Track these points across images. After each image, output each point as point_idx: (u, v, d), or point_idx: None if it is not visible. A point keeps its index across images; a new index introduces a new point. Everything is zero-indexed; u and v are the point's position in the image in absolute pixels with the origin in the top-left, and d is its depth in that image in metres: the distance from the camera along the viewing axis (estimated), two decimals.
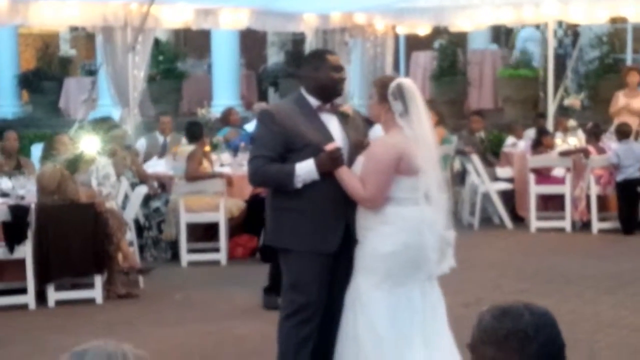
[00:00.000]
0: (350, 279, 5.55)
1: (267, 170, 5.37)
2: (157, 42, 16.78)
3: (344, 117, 5.57)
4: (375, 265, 5.30)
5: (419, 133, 5.29)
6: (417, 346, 5.32)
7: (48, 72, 21.41)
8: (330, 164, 5.28)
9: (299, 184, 5.31)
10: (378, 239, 5.30)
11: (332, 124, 5.49)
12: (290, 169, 5.30)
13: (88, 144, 9.77)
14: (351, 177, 5.31)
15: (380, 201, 5.27)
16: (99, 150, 9.88)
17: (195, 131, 10.97)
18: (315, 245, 5.39)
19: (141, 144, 12.62)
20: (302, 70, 5.67)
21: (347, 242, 5.44)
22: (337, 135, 5.45)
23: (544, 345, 2.58)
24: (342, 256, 5.45)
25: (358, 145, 5.50)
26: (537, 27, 18.08)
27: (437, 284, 5.50)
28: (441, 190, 5.40)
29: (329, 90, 5.50)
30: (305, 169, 5.28)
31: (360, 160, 5.40)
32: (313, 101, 5.48)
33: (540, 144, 12.39)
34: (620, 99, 13.96)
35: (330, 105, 5.53)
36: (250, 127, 12.02)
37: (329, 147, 5.28)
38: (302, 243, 5.40)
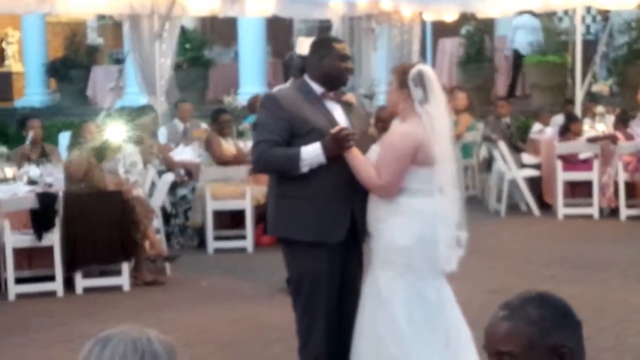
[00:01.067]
0: (360, 270, 5.49)
1: (271, 155, 5.21)
2: (183, 30, 16.82)
3: (347, 106, 5.49)
4: (393, 259, 5.20)
5: (437, 123, 5.19)
6: (439, 342, 5.26)
7: (75, 61, 21.48)
8: (336, 145, 5.12)
9: (305, 168, 5.16)
10: (393, 231, 5.19)
11: (336, 111, 5.40)
12: (295, 153, 5.16)
13: (115, 132, 9.80)
14: (364, 163, 5.18)
15: (394, 190, 5.16)
16: (126, 138, 9.92)
17: (213, 116, 11.06)
18: (322, 236, 5.23)
19: (161, 132, 12.63)
20: (308, 57, 5.56)
21: (354, 233, 5.32)
22: (342, 122, 5.33)
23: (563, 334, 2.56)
24: (351, 246, 5.35)
25: (362, 135, 5.42)
26: (535, 15, 17.92)
27: (446, 281, 5.38)
28: (455, 184, 5.29)
29: (334, 79, 5.41)
30: (312, 153, 5.14)
31: (374, 149, 5.30)
32: (317, 88, 5.39)
33: (569, 131, 12.32)
34: None
35: (334, 94, 5.45)
36: None
37: (334, 129, 5.14)
38: (308, 233, 5.24)
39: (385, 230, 5.22)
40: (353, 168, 5.17)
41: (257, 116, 5.51)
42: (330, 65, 5.37)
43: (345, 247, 5.32)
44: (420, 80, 5.20)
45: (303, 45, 7.74)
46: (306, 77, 5.46)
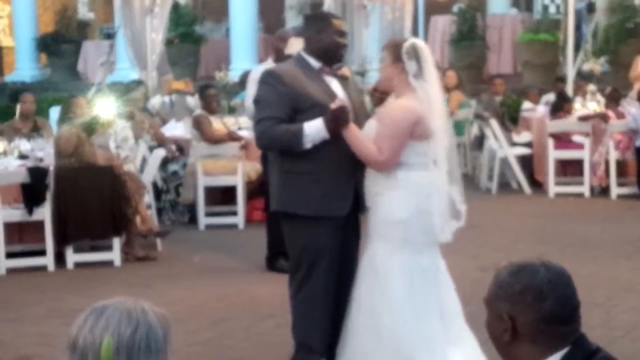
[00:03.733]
0: (359, 242, 5.53)
1: (274, 131, 5.20)
2: (175, 5, 16.74)
3: (343, 80, 5.51)
4: (390, 232, 5.22)
5: (431, 96, 5.22)
6: (434, 315, 5.29)
7: (66, 36, 21.41)
8: (337, 121, 5.12)
9: (308, 144, 5.16)
10: (390, 204, 5.21)
11: (334, 85, 5.42)
12: (298, 129, 5.16)
13: (105, 107, 9.77)
14: (363, 139, 5.20)
15: (394, 164, 5.18)
16: (116, 114, 9.89)
17: (199, 92, 11.06)
18: (326, 210, 5.27)
19: (152, 105, 12.57)
20: (305, 31, 5.56)
21: (356, 206, 5.36)
22: (341, 96, 5.34)
23: (558, 302, 2.59)
24: (351, 220, 5.39)
25: (358, 109, 5.44)
26: None
27: (439, 252, 5.43)
28: (450, 158, 5.32)
29: (331, 54, 5.40)
30: (315, 128, 5.15)
31: (371, 124, 5.31)
32: (314, 62, 5.39)
33: (560, 109, 12.32)
34: None
35: (330, 69, 5.45)
36: None
37: (334, 104, 5.15)
38: (314, 208, 5.27)
39: (382, 204, 5.24)
40: (351, 144, 5.18)
41: (258, 92, 5.48)
42: (328, 39, 5.37)
43: (346, 221, 5.36)
44: (415, 53, 5.20)
45: (293, 46, 7.71)
46: (302, 52, 5.46)
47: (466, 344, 5.37)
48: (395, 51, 5.24)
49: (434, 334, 5.26)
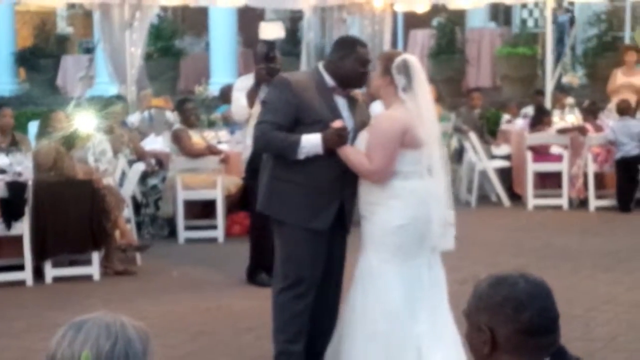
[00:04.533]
0: (343, 258, 5.63)
1: (273, 137, 5.34)
2: (159, 17, 16.75)
3: (353, 102, 5.60)
4: (386, 240, 5.32)
5: (422, 108, 5.31)
6: (422, 319, 5.34)
7: (45, 50, 21.35)
8: (336, 140, 5.27)
9: (302, 155, 5.29)
10: (387, 213, 5.31)
11: (343, 106, 5.51)
12: (296, 139, 5.29)
13: (84, 121, 9.75)
14: (356, 152, 5.33)
15: (387, 175, 5.28)
16: (95, 127, 9.87)
17: (177, 106, 11.06)
18: (307, 221, 5.38)
19: (131, 123, 12.55)
20: (330, 53, 5.65)
21: (342, 222, 5.45)
22: (346, 117, 5.45)
23: (537, 314, 2.60)
24: (337, 235, 5.47)
25: (362, 130, 5.52)
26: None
27: (439, 258, 5.51)
28: (443, 165, 5.44)
29: (350, 81, 5.51)
30: (312, 142, 5.28)
31: (363, 136, 5.41)
32: (329, 80, 5.48)
33: (540, 122, 12.38)
34: (619, 76, 13.95)
35: (343, 89, 5.54)
36: None
37: (336, 123, 5.28)
38: (294, 217, 5.39)
39: (379, 212, 5.34)
40: (344, 158, 5.32)
41: (267, 94, 5.66)
42: (350, 67, 5.46)
43: (331, 236, 5.45)
44: (405, 69, 5.32)
45: (266, 30, 7.75)
46: (320, 67, 5.57)
47: (457, 350, 5.40)
48: (385, 64, 5.35)
49: (423, 340, 5.31)
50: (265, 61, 7.96)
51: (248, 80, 8.15)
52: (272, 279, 5.78)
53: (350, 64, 5.45)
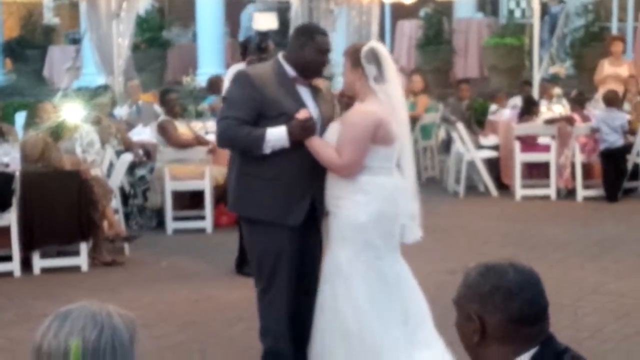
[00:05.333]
0: (319, 252, 5.54)
1: (237, 132, 5.23)
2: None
3: (316, 91, 5.50)
4: (352, 235, 5.24)
5: (393, 99, 5.24)
6: (398, 318, 5.30)
7: (32, 41, 21.27)
8: (301, 132, 5.17)
9: (267, 149, 5.18)
10: (353, 208, 5.22)
11: (306, 96, 5.41)
12: (261, 133, 5.17)
13: (71, 111, 9.73)
14: (325, 145, 5.23)
15: (356, 169, 5.20)
16: (83, 118, 9.85)
17: (160, 97, 11.03)
18: (280, 217, 5.27)
19: (120, 116, 12.52)
20: (289, 42, 5.58)
21: (314, 214, 5.37)
22: (311, 107, 5.35)
23: (527, 303, 2.60)
24: (310, 230, 5.39)
25: (329, 120, 5.44)
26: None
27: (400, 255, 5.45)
28: (411, 159, 5.39)
29: (310, 70, 5.41)
30: (277, 135, 5.17)
31: (333, 128, 5.32)
32: (290, 71, 5.39)
33: (528, 112, 12.39)
34: (606, 67, 14.01)
35: (305, 78, 5.46)
36: None
37: (301, 114, 5.18)
38: (266, 213, 5.28)
39: (345, 208, 5.25)
40: (313, 151, 5.21)
41: (228, 90, 5.54)
42: (309, 55, 5.36)
43: (305, 229, 5.36)
44: (374, 56, 5.23)
45: (259, 21, 7.73)
46: (280, 58, 5.46)
47: (434, 347, 5.38)
48: (354, 56, 5.27)
49: (398, 338, 5.27)
50: (258, 52, 7.94)
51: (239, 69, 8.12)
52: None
53: (310, 53, 5.35)
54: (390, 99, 5.23)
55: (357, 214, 5.21)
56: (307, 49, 5.36)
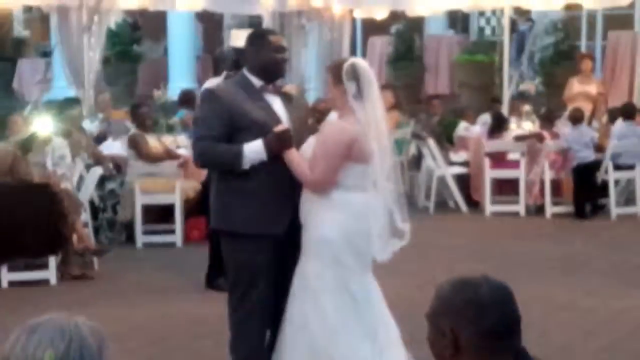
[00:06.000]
0: (295, 261, 5.48)
1: (214, 151, 5.25)
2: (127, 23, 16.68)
3: (287, 98, 5.51)
4: (322, 251, 5.21)
5: (371, 117, 5.19)
6: (367, 335, 5.28)
7: (1, 53, 21.15)
8: (278, 145, 5.17)
9: (246, 165, 5.19)
10: (322, 224, 5.20)
11: (276, 104, 5.41)
12: (238, 150, 5.18)
13: (42, 124, 9.69)
14: (299, 159, 5.21)
15: (327, 185, 5.18)
16: (54, 131, 9.81)
17: (131, 110, 11.00)
18: (264, 228, 5.26)
19: (89, 126, 12.47)
20: (244, 50, 5.58)
21: (294, 227, 5.34)
22: (282, 115, 5.36)
23: (499, 317, 2.61)
24: (289, 239, 5.35)
25: (302, 126, 5.44)
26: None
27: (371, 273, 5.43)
28: (390, 178, 5.32)
29: (271, 71, 5.40)
30: (254, 150, 5.17)
31: (310, 141, 5.32)
32: (256, 81, 5.38)
33: (498, 129, 12.46)
34: (575, 85, 14.12)
35: (273, 86, 5.45)
36: None
37: (278, 128, 5.19)
38: (250, 226, 5.27)
39: (315, 223, 5.23)
40: (288, 164, 5.20)
41: (198, 111, 5.57)
42: (266, 57, 5.36)
43: (284, 238, 5.33)
44: (353, 73, 5.19)
45: (237, 38, 7.72)
46: (245, 71, 5.46)
47: None
48: (336, 73, 5.25)
49: (366, 354, 5.26)
50: (235, 68, 7.95)
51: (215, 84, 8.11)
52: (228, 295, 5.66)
53: (265, 54, 5.35)
54: (369, 116, 5.20)
55: (326, 230, 5.19)
56: (262, 51, 5.37)
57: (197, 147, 5.38)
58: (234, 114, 5.24)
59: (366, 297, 5.31)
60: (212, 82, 8.23)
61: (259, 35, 5.60)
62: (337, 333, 5.21)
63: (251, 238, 5.27)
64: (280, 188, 5.28)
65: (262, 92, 5.40)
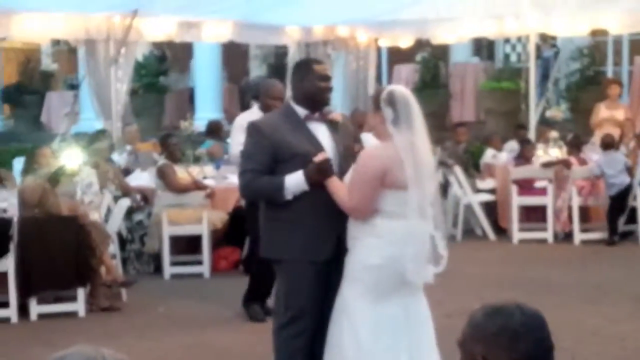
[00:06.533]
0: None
1: (257, 184, 5.43)
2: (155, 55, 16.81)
3: (333, 125, 5.60)
4: (361, 276, 5.28)
5: (410, 140, 5.22)
6: (403, 357, 5.30)
7: (30, 87, 21.37)
8: (319, 175, 5.29)
9: (289, 195, 5.34)
10: (365, 250, 5.28)
11: (321, 132, 5.53)
12: (279, 182, 5.34)
13: (70, 157, 9.75)
14: (339, 187, 5.32)
15: (366, 212, 5.24)
16: (82, 163, 9.86)
17: (161, 142, 11.06)
18: (308, 253, 5.39)
19: (118, 158, 12.53)
20: (290, 80, 5.73)
21: (339, 252, 5.44)
22: (326, 143, 5.48)
23: (532, 345, 2.60)
24: (334, 265, 5.45)
25: (348, 152, 5.54)
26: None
27: (424, 298, 5.49)
28: (433, 204, 5.36)
29: (316, 100, 5.53)
30: (295, 181, 5.32)
31: (352, 170, 5.40)
32: (301, 111, 5.52)
33: (526, 155, 12.42)
34: (602, 110, 14.05)
35: (319, 114, 5.56)
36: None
37: (318, 158, 5.29)
38: (295, 251, 5.41)
39: (359, 248, 5.31)
40: (331, 192, 5.32)
41: (244, 144, 5.68)
42: (311, 85, 5.50)
43: (330, 264, 5.44)
44: (391, 100, 5.25)
45: None
46: (290, 101, 5.62)
47: None
48: (375, 100, 5.36)
49: None
50: (255, 98, 8.07)
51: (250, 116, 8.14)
52: (272, 315, 5.76)
53: (309, 83, 5.50)
54: (406, 141, 5.23)
55: (369, 256, 5.27)
56: (306, 80, 5.51)
57: (242, 180, 5.57)
58: (277, 146, 5.39)
59: (405, 320, 5.35)
60: (250, 115, 8.26)
61: (303, 65, 5.76)
62: (372, 355, 5.24)
63: (296, 264, 5.41)
64: (323, 215, 5.40)
65: (307, 120, 5.52)
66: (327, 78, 5.58)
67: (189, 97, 21.01)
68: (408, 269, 5.26)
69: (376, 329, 5.27)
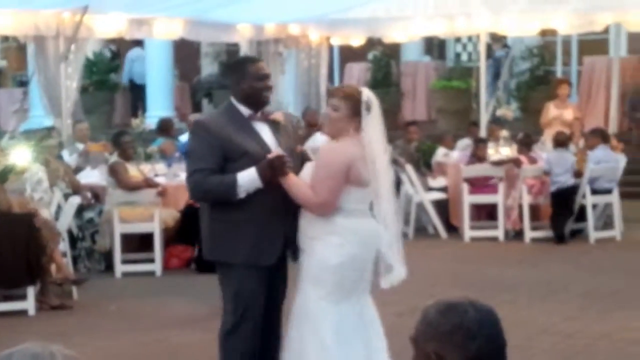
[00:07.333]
0: (285, 289, 5.55)
1: (208, 184, 5.24)
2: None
3: (275, 125, 5.52)
4: (324, 277, 5.23)
5: (373, 144, 5.23)
6: (362, 358, 5.31)
7: None
8: (272, 171, 5.17)
9: (242, 194, 5.19)
10: (326, 249, 5.22)
11: (265, 132, 5.43)
12: (232, 180, 5.18)
13: (19, 154, 9.65)
14: (299, 184, 5.23)
15: (332, 208, 5.19)
16: (31, 160, 9.77)
17: (114, 139, 10.97)
18: (254, 258, 5.28)
19: (66, 156, 12.42)
20: (228, 80, 5.61)
21: (283, 255, 5.40)
22: (270, 143, 5.38)
23: (486, 342, 2.61)
24: (278, 268, 5.40)
25: (290, 153, 5.45)
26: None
27: (370, 296, 5.48)
28: (389, 200, 5.36)
29: (254, 100, 5.41)
30: (248, 178, 5.18)
31: (308, 167, 5.35)
32: (244, 110, 5.41)
33: (477, 154, 12.49)
34: (551, 110, 14.19)
35: (261, 114, 5.46)
36: (185, 138, 12.04)
37: (272, 154, 5.19)
38: (241, 256, 5.28)
39: (319, 248, 5.25)
40: (289, 190, 5.22)
41: (189, 144, 5.58)
42: (247, 87, 5.37)
43: (274, 269, 5.38)
44: (368, 106, 5.25)
45: None
46: (233, 100, 5.47)
47: None
48: (354, 105, 5.24)
49: None
50: (208, 97, 8.01)
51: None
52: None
53: (246, 85, 5.36)
54: (370, 144, 5.23)
55: (329, 255, 5.22)
56: (242, 82, 5.38)
57: (191, 181, 5.34)
58: (225, 145, 5.25)
59: (363, 321, 5.36)
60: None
61: (238, 65, 5.62)
62: (334, 357, 5.21)
63: (242, 268, 5.28)
64: (271, 218, 5.30)
65: (250, 120, 5.41)
66: (264, 77, 5.43)
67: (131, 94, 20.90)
68: (368, 269, 5.27)
69: (339, 330, 5.24)
